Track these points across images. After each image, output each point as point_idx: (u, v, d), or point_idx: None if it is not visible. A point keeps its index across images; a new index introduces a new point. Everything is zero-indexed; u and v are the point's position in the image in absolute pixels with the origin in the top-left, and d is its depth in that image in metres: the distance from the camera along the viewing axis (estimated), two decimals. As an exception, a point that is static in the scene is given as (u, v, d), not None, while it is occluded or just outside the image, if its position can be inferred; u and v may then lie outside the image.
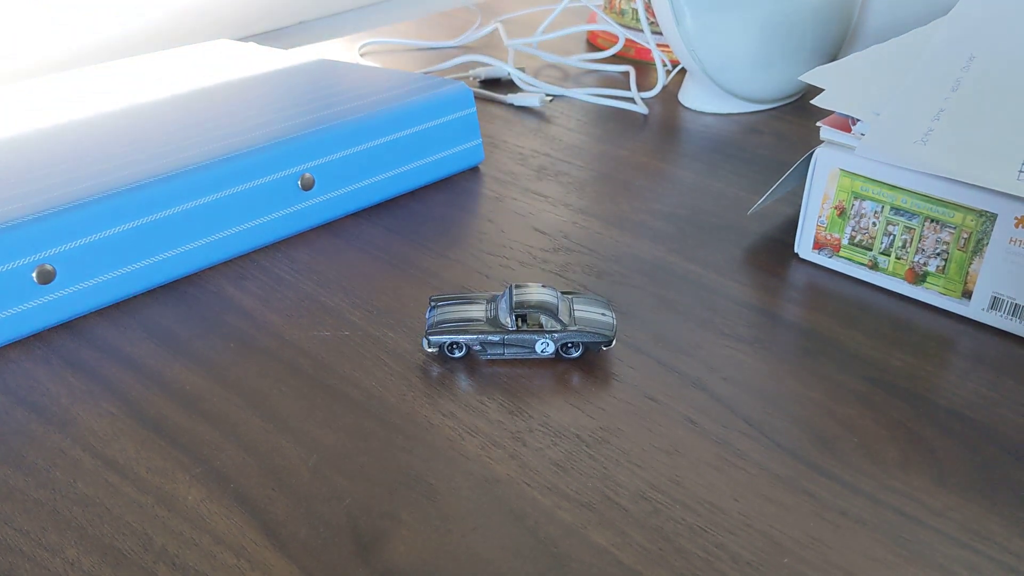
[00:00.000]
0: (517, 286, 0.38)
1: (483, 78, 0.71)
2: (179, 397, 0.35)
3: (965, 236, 0.38)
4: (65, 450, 0.33)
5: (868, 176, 0.41)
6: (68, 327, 0.40)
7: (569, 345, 0.37)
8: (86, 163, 0.44)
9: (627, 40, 0.76)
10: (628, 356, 0.38)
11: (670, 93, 0.69)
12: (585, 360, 0.37)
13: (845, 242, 0.43)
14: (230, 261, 0.45)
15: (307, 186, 0.47)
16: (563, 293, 0.39)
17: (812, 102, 0.47)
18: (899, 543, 0.28)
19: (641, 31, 0.76)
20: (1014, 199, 0.37)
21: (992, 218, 0.37)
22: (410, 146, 0.51)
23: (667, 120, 0.63)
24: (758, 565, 0.28)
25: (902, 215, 0.40)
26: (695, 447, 0.33)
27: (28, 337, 0.40)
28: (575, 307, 0.38)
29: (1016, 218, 0.37)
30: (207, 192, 0.44)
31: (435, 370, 0.37)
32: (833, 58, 0.65)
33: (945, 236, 0.39)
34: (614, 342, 0.38)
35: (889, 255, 0.41)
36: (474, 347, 0.37)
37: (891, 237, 0.41)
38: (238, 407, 0.35)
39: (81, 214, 0.40)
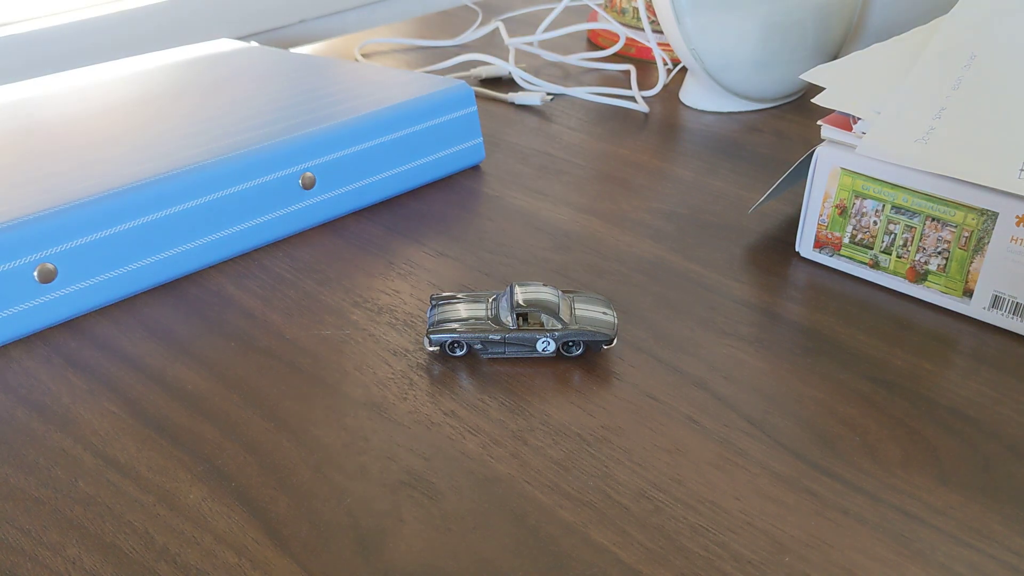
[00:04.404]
0: (518, 285, 0.38)
1: (484, 77, 0.71)
2: (180, 396, 0.35)
3: (966, 235, 0.38)
4: (66, 449, 0.33)
5: (869, 175, 0.41)
6: (69, 326, 0.40)
7: (570, 344, 0.37)
8: (86, 162, 0.44)
9: (628, 39, 0.76)
10: (629, 355, 0.38)
11: (671, 92, 0.69)
12: (586, 359, 0.37)
13: (846, 241, 0.43)
14: (231, 260, 0.45)
15: (308, 185, 0.47)
16: (564, 292, 0.39)
17: (813, 101, 0.47)
18: (900, 542, 0.28)
19: (642, 30, 0.76)
20: (1015, 198, 0.36)
21: (993, 217, 0.37)
22: (411, 145, 0.51)
23: (668, 119, 0.63)
24: (759, 564, 0.28)
25: (903, 214, 0.40)
26: (696, 446, 0.33)
27: (29, 336, 0.40)
28: (576, 306, 0.38)
29: (1017, 216, 0.37)
30: (207, 191, 0.44)
31: (436, 369, 0.37)
32: (834, 57, 0.65)
33: (946, 235, 0.39)
34: (615, 341, 0.37)
35: (890, 254, 0.41)
36: (475, 346, 0.37)
37: (892, 236, 0.41)
38: (239, 406, 0.35)
39: (82, 213, 0.40)
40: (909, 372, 0.36)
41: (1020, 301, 0.38)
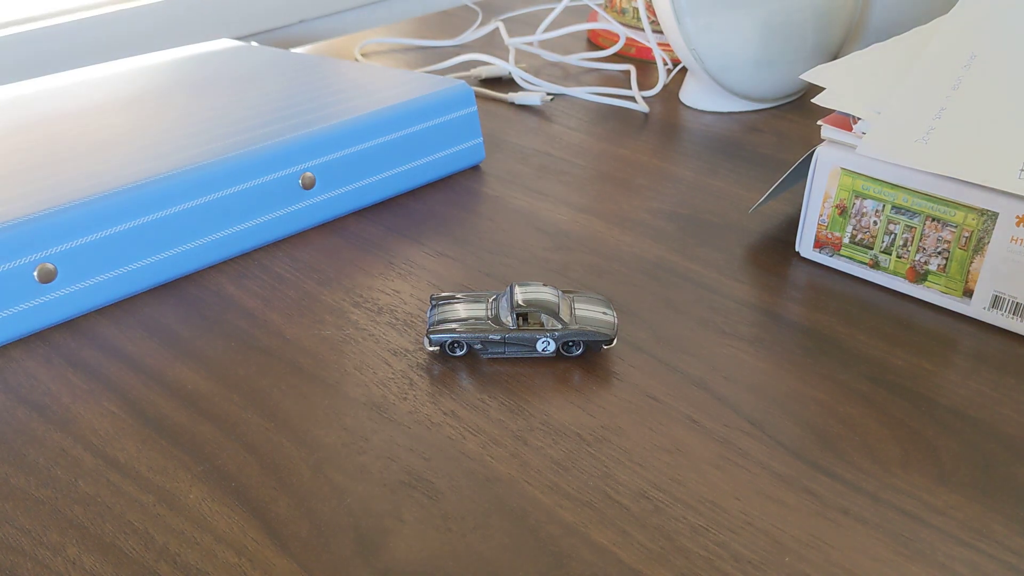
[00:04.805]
0: (518, 285, 0.38)
1: (484, 77, 0.71)
2: (180, 396, 0.35)
3: (966, 235, 0.38)
4: (66, 449, 0.33)
5: (869, 175, 0.41)
6: (69, 326, 0.40)
7: (570, 344, 0.37)
8: (86, 162, 0.44)
9: (628, 39, 0.76)
10: (629, 355, 0.38)
11: (671, 92, 0.69)
12: (586, 359, 0.37)
13: (846, 241, 0.43)
14: (231, 260, 0.45)
15: (308, 185, 0.47)
16: (564, 292, 0.39)
17: (813, 101, 0.47)
18: (900, 542, 0.28)
19: (642, 30, 0.76)
20: (1015, 198, 0.36)
21: (993, 217, 0.37)
22: (411, 145, 0.51)
23: (668, 119, 0.63)
24: (759, 564, 0.28)
25: (903, 214, 0.40)
26: (696, 446, 0.33)
27: (29, 336, 0.40)
28: (576, 306, 0.38)
29: (1017, 217, 0.37)
30: (207, 191, 0.44)
31: (436, 369, 0.37)
32: (834, 57, 0.65)
33: (946, 235, 0.39)
34: (615, 341, 0.37)
35: (890, 254, 0.41)
36: (475, 346, 0.37)
37: (892, 236, 0.41)
38: (239, 406, 0.35)
39: (82, 213, 0.40)
40: (909, 372, 0.36)
41: (1020, 301, 0.38)
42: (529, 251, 0.46)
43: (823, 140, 0.43)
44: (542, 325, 0.37)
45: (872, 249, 0.42)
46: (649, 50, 0.75)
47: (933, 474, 0.31)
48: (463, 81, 0.55)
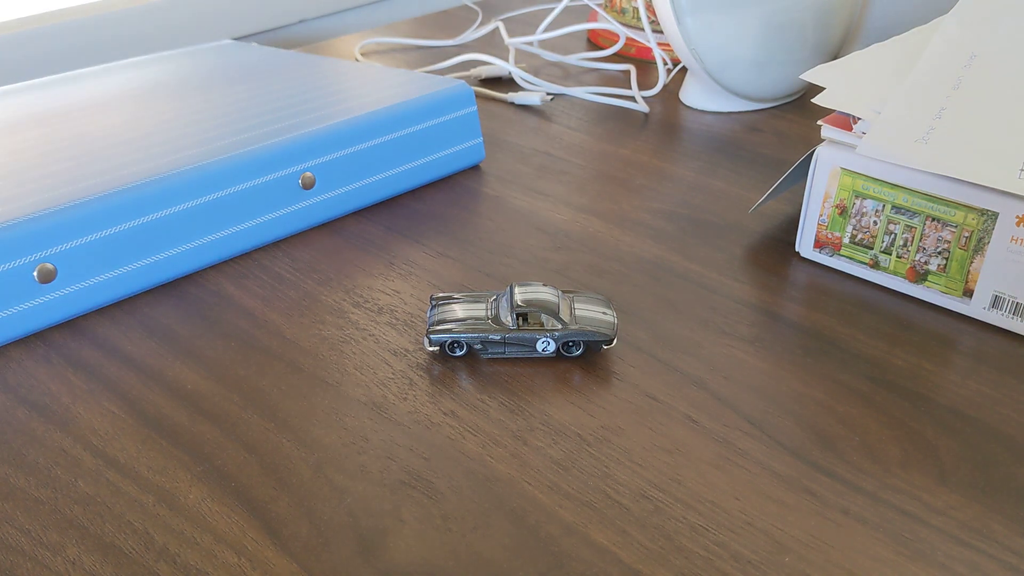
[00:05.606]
0: (518, 285, 0.38)
1: (484, 77, 0.71)
2: (180, 396, 0.35)
3: (966, 235, 0.38)
4: (66, 449, 0.33)
5: (869, 175, 0.41)
6: (69, 326, 0.40)
7: (570, 344, 0.37)
8: (87, 163, 0.44)
9: (628, 39, 0.76)
10: (629, 355, 0.38)
11: (671, 92, 0.69)
12: (586, 359, 0.37)
13: (846, 241, 0.43)
14: (231, 260, 0.45)
15: (308, 185, 0.47)
16: (564, 292, 0.39)
17: (813, 101, 0.47)
18: (900, 542, 0.28)
19: (642, 30, 0.76)
20: (1015, 198, 0.36)
21: (993, 217, 0.37)
22: (411, 145, 0.51)
23: (668, 119, 0.63)
24: (759, 564, 0.28)
25: (903, 214, 0.40)
26: (696, 446, 0.33)
27: (29, 336, 0.40)
28: (576, 306, 0.38)
29: (1017, 217, 0.37)
30: (207, 191, 0.44)
31: (436, 369, 0.37)
32: (834, 57, 0.65)
33: (946, 235, 0.39)
34: (615, 341, 0.37)
35: (890, 254, 0.41)
36: (475, 346, 0.37)
37: (892, 236, 0.41)
38: (239, 406, 0.35)
39: (82, 213, 0.40)
40: (909, 372, 0.36)
41: (1020, 301, 0.38)
42: (529, 251, 0.46)
43: (823, 140, 0.43)
44: (542, 325, 0.37)
45: (872, 249, 0.42)
46: (649, 50, 0.75)
47: (933, 474, 0.31)
48: (463, 81, 0.55)
